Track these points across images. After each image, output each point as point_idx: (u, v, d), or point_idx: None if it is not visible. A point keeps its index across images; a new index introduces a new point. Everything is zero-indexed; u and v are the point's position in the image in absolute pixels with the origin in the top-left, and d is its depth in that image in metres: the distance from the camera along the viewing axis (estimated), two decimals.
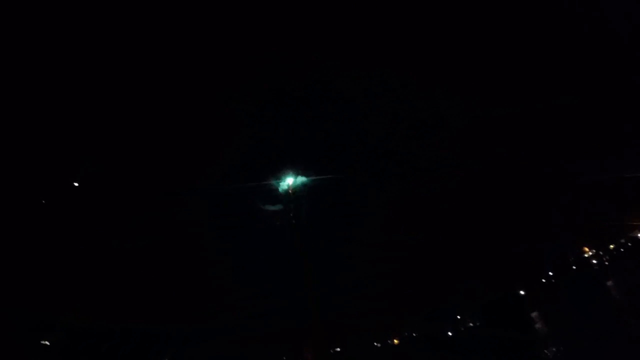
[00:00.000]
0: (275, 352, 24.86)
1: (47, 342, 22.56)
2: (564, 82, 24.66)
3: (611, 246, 29.85)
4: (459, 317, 27.85)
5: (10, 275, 23.34)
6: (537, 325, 30.00)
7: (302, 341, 25.16)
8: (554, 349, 29.14)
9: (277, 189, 25.38)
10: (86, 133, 25.02)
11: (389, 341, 26.94)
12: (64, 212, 25.33)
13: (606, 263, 29.73)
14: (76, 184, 25.01)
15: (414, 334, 26.94)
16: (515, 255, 27.65)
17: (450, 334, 28.07)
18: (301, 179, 24.13)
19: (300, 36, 24.17)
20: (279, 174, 25.01)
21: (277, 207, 24.84)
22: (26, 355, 21.77)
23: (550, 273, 29.92)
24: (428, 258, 27.39)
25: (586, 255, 30.14)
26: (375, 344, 27.46)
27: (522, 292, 28.90)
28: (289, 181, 24.93)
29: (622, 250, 29.71)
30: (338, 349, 27.57)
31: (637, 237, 28.81)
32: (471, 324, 28.13)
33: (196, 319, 24.61)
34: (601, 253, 29.74)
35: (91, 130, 24.99)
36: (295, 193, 24.61)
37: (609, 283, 29.31)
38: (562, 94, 24.58)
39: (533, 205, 27.45)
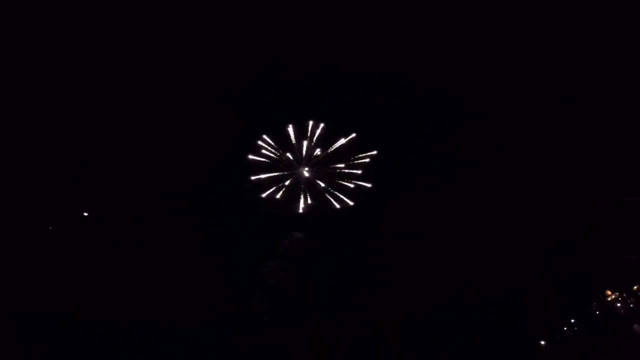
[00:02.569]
0: (276, 352, 24.80)
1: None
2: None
3: (635, 287, 28.15)
4: None
5: (11, 275, 23.34)
6: None
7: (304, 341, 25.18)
8: None
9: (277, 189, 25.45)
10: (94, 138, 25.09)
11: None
12: (66, 213, 25.38)
13: (631, 306, 28.01)
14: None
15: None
16: (531, 303, 26.63)
17: None
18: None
19: (300, 36, 24.19)
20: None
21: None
22: (26, 355, 21.71)
23: (572, 321, 28.36)
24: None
25: (609, 299, 28.53)
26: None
27: (542, 343, 27.16)
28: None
29: None
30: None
31: None
32: None
33: (196, 318, 24.58)
34: (625, 295, 28.15)
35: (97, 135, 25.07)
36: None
37: (637, 327, 27.72)
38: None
39: (544, 243, 26.71)
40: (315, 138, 26.27)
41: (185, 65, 24.68)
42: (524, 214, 27.11)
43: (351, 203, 26.77)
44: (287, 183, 26.35)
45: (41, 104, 24.52)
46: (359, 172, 26.69)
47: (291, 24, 24.09)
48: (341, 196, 26.61)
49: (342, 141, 26.23)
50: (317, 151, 26.68)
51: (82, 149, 25.33)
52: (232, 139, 25.67)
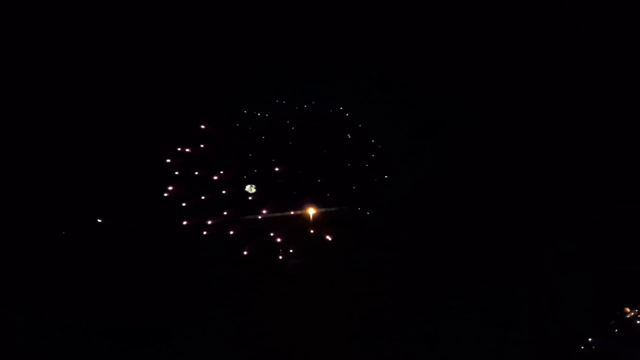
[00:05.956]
0: (275, 352, 24.84)
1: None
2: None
3: None
4: None
5: (11, 274, 23.45)
6: None
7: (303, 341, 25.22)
8: None
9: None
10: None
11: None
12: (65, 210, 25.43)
13: None
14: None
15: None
16: (545, 321, 26.33)
17: None
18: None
19: (300, 36, 24.13)
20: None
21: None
22: (26, 355, 21.83)
23: (590, 339, 27.75)
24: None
25: (628, 316, 27.90)
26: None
27: None
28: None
29: None
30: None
31: None
32: None
33: (196, 318, 24.64)
34: None
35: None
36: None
37: None
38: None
39: (557, 257, 26.35)
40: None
41: (184, 65, 24.71)
42: (534, 220, 26.91)
43: None
44: None
45: (42, 104, 24.62)
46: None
47: (291, 24, 24.06)
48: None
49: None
50: None
51: (82, 150, 25.47)
52: (230, 139, 25.73)
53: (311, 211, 26.04)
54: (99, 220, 25.12)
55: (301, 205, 26.01)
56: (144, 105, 25.01)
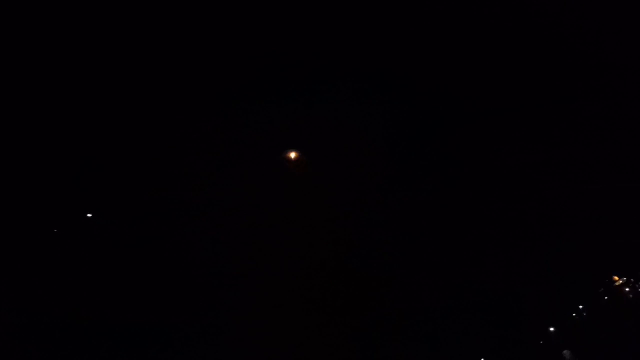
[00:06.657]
0: (275, 352, 24.90)
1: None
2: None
3: None
4: None
5: (11, 274, 23.44)
6: None
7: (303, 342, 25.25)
8: None
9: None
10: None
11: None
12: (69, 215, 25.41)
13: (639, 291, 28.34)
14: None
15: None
16: (539, 289, 26.54)
17: None
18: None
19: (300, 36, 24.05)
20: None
21: None
22: (26, 355, 21.85)
23: (581, 307, 28.40)
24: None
25: (617, 284, 28.61)
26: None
27: (551, 329, 27.15)
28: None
29: None
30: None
31: None
32: None
33: (196, 318, 24.68)
34: (633, 280, 28.33)
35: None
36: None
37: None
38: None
39: (551, 230, 26.44)
40: None
41: (184, 65, 24.65)
42: (534, 220, 26.94)
43: None
44: None
45: (43, 104, 24.56)
46: None
47: (291, 23, 23.99)
48: None
49: None
50: None
51: (82, 149, 25.41)
52: (230, 139, 25.69)
53: (292, 155, 25.88)
54: (89, 215, 24.99)
55: (282, 149, 25.88)
56: (141, 100, 25.00)
